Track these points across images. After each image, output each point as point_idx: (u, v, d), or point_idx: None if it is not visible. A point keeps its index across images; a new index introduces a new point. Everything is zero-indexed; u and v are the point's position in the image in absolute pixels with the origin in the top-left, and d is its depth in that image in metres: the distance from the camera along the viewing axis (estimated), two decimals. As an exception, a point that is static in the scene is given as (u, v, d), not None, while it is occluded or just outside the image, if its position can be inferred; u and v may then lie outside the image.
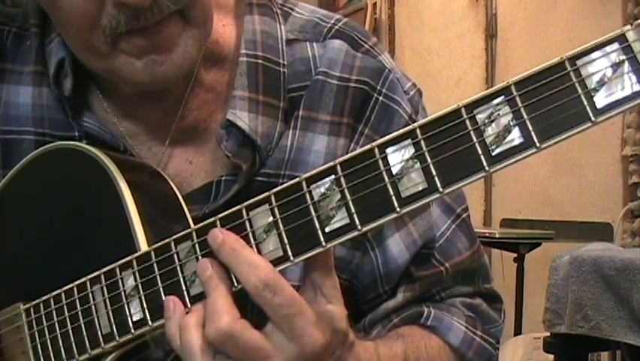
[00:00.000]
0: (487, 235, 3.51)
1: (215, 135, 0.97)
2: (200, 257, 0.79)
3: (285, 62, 1.01)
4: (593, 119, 0.63)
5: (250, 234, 0.76)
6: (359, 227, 0.71)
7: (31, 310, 0.92)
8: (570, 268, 2.52)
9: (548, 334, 2.68)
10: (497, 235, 3.49)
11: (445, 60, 4.65)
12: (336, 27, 1.06)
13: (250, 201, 0.77)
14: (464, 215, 1.10)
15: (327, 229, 0.73)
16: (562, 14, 3.85)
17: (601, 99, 0.63)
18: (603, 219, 3.54)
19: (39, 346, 0.91)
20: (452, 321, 1.05)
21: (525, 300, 3.49)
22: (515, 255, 3.48)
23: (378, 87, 1.03)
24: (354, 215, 0.72)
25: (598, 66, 0.63)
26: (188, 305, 0.79)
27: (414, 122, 1.03)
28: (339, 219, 0.72)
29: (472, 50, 4.45)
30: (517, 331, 3.49)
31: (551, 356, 2.81)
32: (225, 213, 0.78)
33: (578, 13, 3.76)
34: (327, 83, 1.02)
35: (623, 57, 0.63)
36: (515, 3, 4.17)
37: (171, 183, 0.94)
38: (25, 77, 1.02)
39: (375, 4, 5.25)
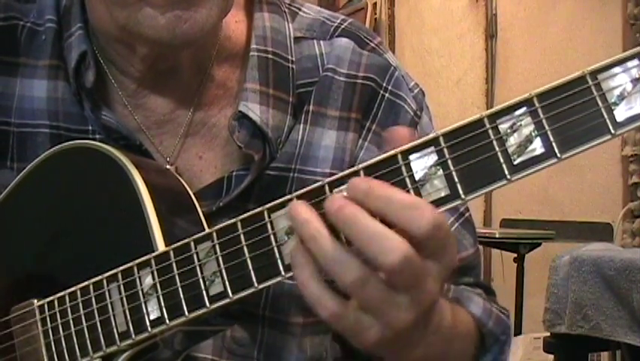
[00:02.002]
0: (487, 235, 3.52)
1: (228, 126, 0.99)
2: (220, 258, 0.79)
3: (294, 59, 1.04)
4: (612, 132, 0.65)
5: (272, 236, 0.76)
6: None
7: (45, 306, 0.92)
8: (570, 268, 2.54)
9: (548, 334, 2.69)
10: (497, 235, 3.50)
11: (445, 60, 4.65)
12: (343, 26, 1.09)
13: (271, 204, 0.77)
14: (467, 214, 1.12)
15: None
16: (562, 14, 3.86)
17: (621, 113, 0.65)
18: (603, 219, 3.54)
19: (52, 343, 0.91)
20: (470, 294, 1.07)
21: (525, 300, 3.50)
22: (515, 255, 3.48)
23: (384, 84, 1.06)
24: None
25: (618, 81, 0.65)
26: (207, 305, 0.80)
27: (419, 118, 1.06)
28: None
29: (472, 50, 4.45)
30: (517, 331, 3.49)
31: (551, 356, 2.82)
32: (246, 215, 0.78)
33: (578, 13, 3.76)
34: (335, 80, 1.04)
35: None
36: (515, 3, 4.18)
37: (184, 182, 0.95)
38: (39, 70, 1.02)
39: (375, 4, 5.26)
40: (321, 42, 1.06)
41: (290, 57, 1.03)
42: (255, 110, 0.98)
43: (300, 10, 1.09)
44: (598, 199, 3.62)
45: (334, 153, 1.03)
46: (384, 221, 0.70)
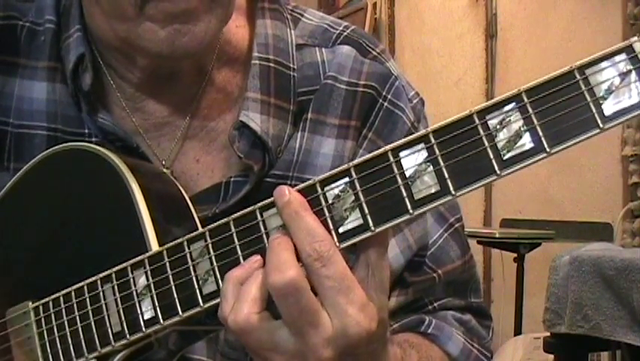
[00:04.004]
0: (487, 235, 3.53)
1: (228, 136, 0.99)
2: (213, 257, 0.80)
3: (295, 67, 1.03)
4: (601, 125, 0.65)
5: (264, 235, 0.77)
6: (372, 228, 0.73)
7: (40, 308, 0.92)
8: (570, 268, 2.53)
9: (548, 334, 2.69)
10: (497, 235, 3.50)
11: (445, 60, 4.66)
12: (345, 33, 1.08)
13: (263, 203, 0.78)
14: (457, 225, 1.11)
15: (340, 230, 0.74)
16: (562, 14, 3.86)
17: (609, 107, 0.65)
18: (603, 219, 3.55)
19: (47, 344, 0.91)
20: (452, 331, 1.07)
21: (525, 300, 3.50)
22: (515, 255, 3.49)
23: (384, 93, 1.06)
24: (368, 216, 0.73)
25: (606, 75, 0.65)
26: (201, 304, 0.80)
27: (416, 130, 1.05)
28: (353, 220, 0.74)
29: (472, 50, 4.46)
30: (517, 331, 3.50)
31: (551, 356, 2.82)
32: (239, 213, 0.79)
33: (578, 13, 3.77)
34: (335, 88, 1.04)
35: (630, 67, 0.65)
36: (515, 3, 4.18)
37: (180, 186, 0.95)
38: (39, 72, 1.02)
39: (375, 4, 5.26)
40: (323, 49, 1.06)
41: (292, 65, 1.03)
42: (255, 120, 0.97)
43: (302, 16, 1.09)
44: (598, 199, 3.62)
45: (332, 161, 1.02)
46: None
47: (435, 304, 1.10)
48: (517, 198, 4.01)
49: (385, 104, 1.05)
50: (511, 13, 4.21)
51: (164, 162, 1.01)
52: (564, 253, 2.62)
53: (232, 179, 0.99)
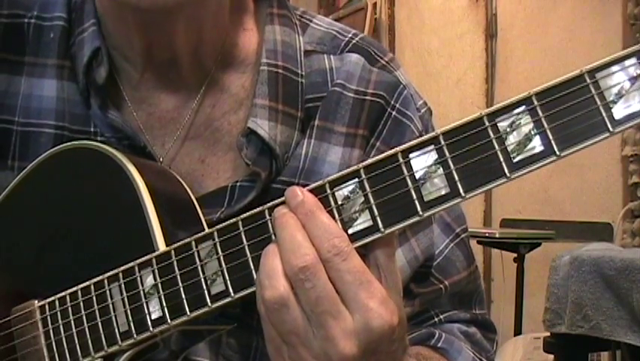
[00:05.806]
0: (487, 235, 3.53)
1: (236, 142, 0.98)
2: (221, 257, 0.80)
3: (303, 73, 1.03)
4: (611, 129, 0.66)
5: (273, 236, 0.77)
6: (382, 229, 0.73)
7: (46, 307, 0.92)
8: (570, 268, 2.53)
9: (548, 334, 2.69)
10: (497, 235, 3.50)
11: (445, 60, 4.66)
12: (354, 41, 1.07)
13: (271, 203, 0.78)
14: (463, 235, 1.10)
15: (350, 231, 0.75)
16: (562, 14, 3.86)
17: (619, 111, 0.66)
18: (603, 219, 3.55)
19: (53, 343, 0.91)
20: (461, 345, 1.06)
21: (525, 300, 3.50)
22: (515, 255, 3.49)
23: (392, 102, 1.05)
24: (377, 218, 0.73)
25: (616, 79, 0.66)
26: (209, 305, 0.80)
27: None
28: (362, 222, 0.74)
29: (472, 50, 4.46)
30: (517, 331, 3.50)
31: (551, 356, 2.82)
32: (247, 213, 0.79)
33: (578, 13, 3.77)
34: (343, 95, 1.03)
35: None
36: (515, 3, 4.18)
37: (186, 186, 0.95)
38: (48, 70, 1.02)
39: (375, 4, 5.27)
40: (332, 57, 1.05)
41: (300, 72, 1.02)
42: (263, 127, 0.97)
43: (311, 21, 1.08)
44: (598, 199, 3.62)
45: (339, 169, 1.00)
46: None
47: (441, 317, 1.09)
48: (517, 198, 4.01)
49: (394, 113, 1.04)
50: (511, 13, 4.21)
51: (163, 161, 1.01)
52: (564, 253, 2.62)
53: (238, 183, 0.99)
